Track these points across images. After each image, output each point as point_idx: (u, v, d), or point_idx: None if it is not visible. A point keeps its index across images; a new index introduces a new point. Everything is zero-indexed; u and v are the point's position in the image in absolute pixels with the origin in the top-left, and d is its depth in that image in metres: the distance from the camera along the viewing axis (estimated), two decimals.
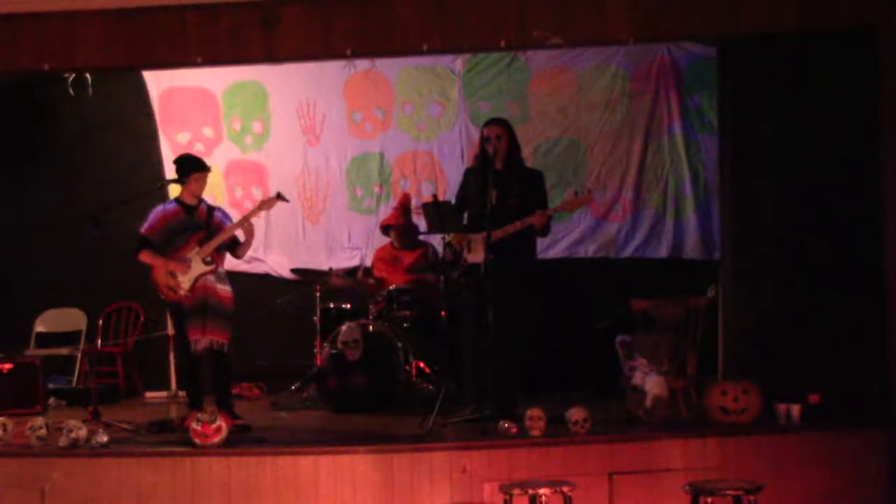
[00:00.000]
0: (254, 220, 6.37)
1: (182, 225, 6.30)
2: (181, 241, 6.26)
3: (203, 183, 6.39)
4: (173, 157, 8.24)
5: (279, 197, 6.33)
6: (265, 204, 6.36)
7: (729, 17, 5.80)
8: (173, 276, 6.20)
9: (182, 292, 6.19)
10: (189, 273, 6.19)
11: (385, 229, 7.77)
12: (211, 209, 6.43)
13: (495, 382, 5.94)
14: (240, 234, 6.36)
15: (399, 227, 7.64)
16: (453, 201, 6.46)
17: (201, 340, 6.15)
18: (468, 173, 6.33)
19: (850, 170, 6.01)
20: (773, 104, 6.24)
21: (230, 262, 6.58)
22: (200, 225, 6.31)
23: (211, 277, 6.23)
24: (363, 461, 5.39)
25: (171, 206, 6.39)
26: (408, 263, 7.54)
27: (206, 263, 6.21)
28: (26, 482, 5.44)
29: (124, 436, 6.01)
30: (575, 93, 8.13)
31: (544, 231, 6.12)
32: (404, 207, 7.69)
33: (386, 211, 8.25)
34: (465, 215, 6.23)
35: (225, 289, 6.31)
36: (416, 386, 7.07)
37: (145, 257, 6.28)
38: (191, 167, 6.35)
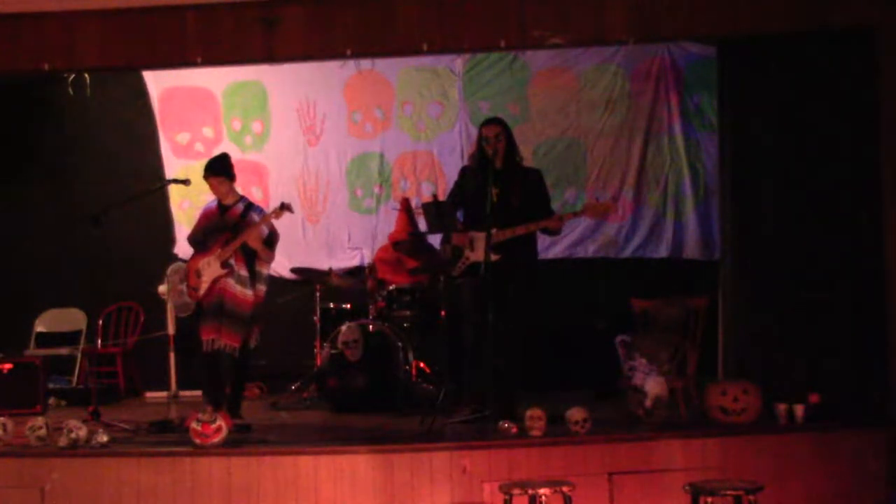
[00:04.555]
0: None
1: (214, 225, 6.39)
2: (212, 242, 6.36)
3: (217, 187, 6.38)
4: (173, 158, 8.26)
5: (284, 207, 6.32)
6: (273, 214, 6.35)
7: (729, 17, 5.81)
8: (198, 275, 6.30)
9: (200, 293, 6.28)
10: (207, 274, 6.26)
11: (396, 246, 7.66)
12: (247, 209, 6.41)
13: (495, 382, 5.93)
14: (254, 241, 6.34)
15: (408, 243, 7.52)
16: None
17: (217, 341, 6.20)
18: (465, 171, 6.33)
19: (850, 170, 6.01)
20: (773, 104, 6.24)
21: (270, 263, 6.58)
22: (227, 227, 6.34)
23: (230, 280, 6.26)
24: (363, 461, 5.39)
25: (211, 206, 6.50)
26: (411, 266, 7.52)
27: (224, 266, 6.24)
28: (26, 482, 5.43)
29: (124, 436, 6.01)
30: (575, 93, 8.15)
31: (557, 231, 6.17)
32: (409, 217, 7.58)
33: (386, 211, 8.26)
34: (461, 213, 6.24)
35: (245, 292, 6.29)
36: (416, 386, 7.07)
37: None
38: (208, 171, 6.39)
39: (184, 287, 6.49)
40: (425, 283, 7.36)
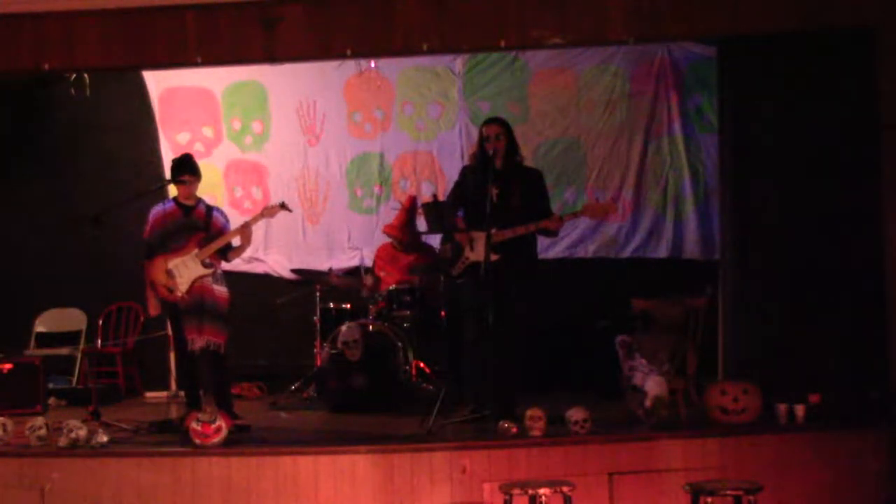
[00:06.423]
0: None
1: (180, 225, 6.29)
2: (180, 242, 6.24)
3: (191, 187, 6.33)
4: (173, 157, 8.24)
5: (282, 206, 6.31)
6: (267, 211, 6.35)
7: (729, 17, 5.80)
8: (171, 276, 6.20)
9: (179, 293, 6.19)
10: (187, 274, 6.20)
11: (389, 236, 7.70)
12: (210, 210, 6.41)
13: (495, 382, 5.94)
14: (235, 240, 6.35)
15: (403, 235, 7.58)
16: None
17: (198, 340, 6.16)
18: (465, 171, 6.33)
19: (850, 170, 6.01)
20: (773, 104, 6.24)
21: (231, 262, 6.58)
22: (199, 226, 6.29)
23: (208, 279, 6.22)
24: (363, 461, 5.39)
25: (168, 206, 6.37)
26: (408, 264, 7.53)
27: (206, 266, 6.21)
28: (26, 482, 5.44)
29: (124, 436, 6.01)
30: (575, 93, 8.15)
31: (555, 233, 6.16)
32: (409, 217, 7.61)
33: (386, 211, 8.25)
34: (462, 213, 6.24)
35: (221, 290, 6.30)
36: (416, 386, 7.07)
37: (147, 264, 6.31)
38: (180, 170, 6.33)
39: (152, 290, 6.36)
40: (419, 283, 7.35)
